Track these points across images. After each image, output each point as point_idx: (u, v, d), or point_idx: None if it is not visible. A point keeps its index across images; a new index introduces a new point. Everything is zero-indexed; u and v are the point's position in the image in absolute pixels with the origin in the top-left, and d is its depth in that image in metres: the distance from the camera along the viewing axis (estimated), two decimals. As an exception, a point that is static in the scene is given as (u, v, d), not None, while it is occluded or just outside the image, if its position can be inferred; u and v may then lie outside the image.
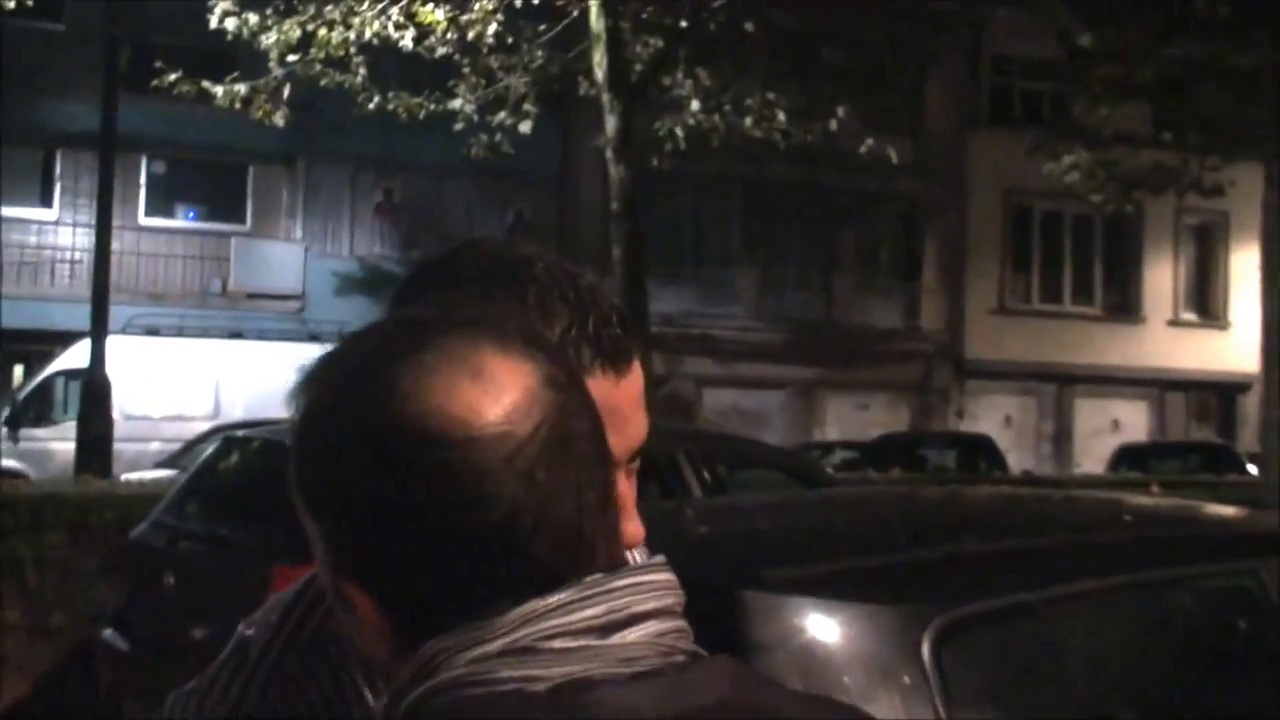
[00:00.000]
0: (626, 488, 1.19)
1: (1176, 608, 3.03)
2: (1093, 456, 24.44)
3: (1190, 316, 27.63)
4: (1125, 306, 27.15)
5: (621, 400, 1.18)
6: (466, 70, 14.69)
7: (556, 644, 0.87)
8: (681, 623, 0.94)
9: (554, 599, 0.88)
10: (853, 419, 24.19)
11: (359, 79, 13.64)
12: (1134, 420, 26.76)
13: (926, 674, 2.48)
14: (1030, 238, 26.24)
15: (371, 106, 13.96)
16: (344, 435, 0.89)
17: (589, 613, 0.89)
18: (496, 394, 0.88)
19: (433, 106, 14.48)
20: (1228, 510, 3.85)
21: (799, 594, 2.61)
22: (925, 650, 2.49)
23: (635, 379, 1.21)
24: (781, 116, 15.34)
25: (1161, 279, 27.24)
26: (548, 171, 21.67)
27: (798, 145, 15.86)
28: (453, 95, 14.70)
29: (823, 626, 2.54)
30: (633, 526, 1.19)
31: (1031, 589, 2.68)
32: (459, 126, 14.75)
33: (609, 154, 13.61)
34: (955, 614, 2.58)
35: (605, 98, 13.59)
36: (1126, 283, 27.09)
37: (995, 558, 2.94)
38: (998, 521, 3.42)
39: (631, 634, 0.90)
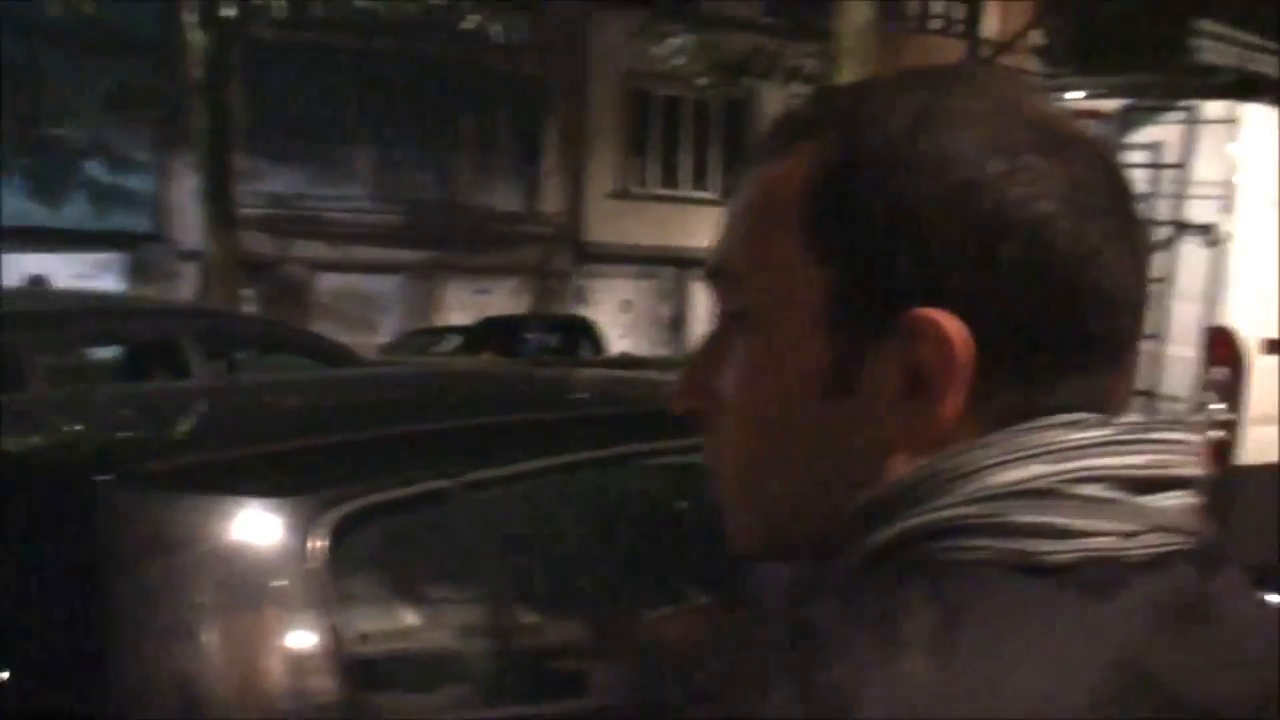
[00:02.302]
0: None
1: (614, 487, 2.83)
2: (709, 338, 24.97)
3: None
4: (742, 191, 27.70)
5: None
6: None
7: (1086, 490, 0.74)
8: (1198, 503, 0.79)
9: (1088, 434, 0.75)
10: (474, 303, 23.88)
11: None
12: (748, 303, 27.50)
13: (317, 575, 2.17)
14: (650, 122, 26.37)
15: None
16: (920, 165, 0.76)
17: (1131, 460, 0.75)
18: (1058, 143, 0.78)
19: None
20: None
21: (164, 488, 2.26)
22: (316, 547, 2.18)
23: None
24: (382, -16, 14.73)
25: (775, 164, 27.90)
26: (150, 37, 20.10)
27: (407, 17, 15.29)
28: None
29: (188, 524, 2.19)
30: None
31: (451, 474, 2.40)
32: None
33: (188, 18, 12.73)
34: (353, 505, 2.28)
35: (183, -45, 12.70)
36: (743, 166, 27.55)
37: (421, 440, 2.64)
38: (447, 401, 3.14)
39: (1167, 499, 0.76)
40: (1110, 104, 7.39)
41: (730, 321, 0.84)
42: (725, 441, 0.84)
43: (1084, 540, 0.72)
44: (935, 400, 0.75)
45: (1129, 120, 7.24)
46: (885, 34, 23.12)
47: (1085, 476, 0.73)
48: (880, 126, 0.77)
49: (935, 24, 27.28)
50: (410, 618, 2.48)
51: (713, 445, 0.86)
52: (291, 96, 22.32)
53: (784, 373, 0.80)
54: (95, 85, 20.42)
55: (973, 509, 0.73)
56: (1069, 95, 8.03)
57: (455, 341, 18.45)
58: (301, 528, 2.18)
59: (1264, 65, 7.50)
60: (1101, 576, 0.71)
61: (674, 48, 16.09)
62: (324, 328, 21.79)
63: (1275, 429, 6.93)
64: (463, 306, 23.95)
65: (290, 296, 22.25)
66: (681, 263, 26.45)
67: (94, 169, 20.73)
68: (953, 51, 21.18)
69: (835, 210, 0.77)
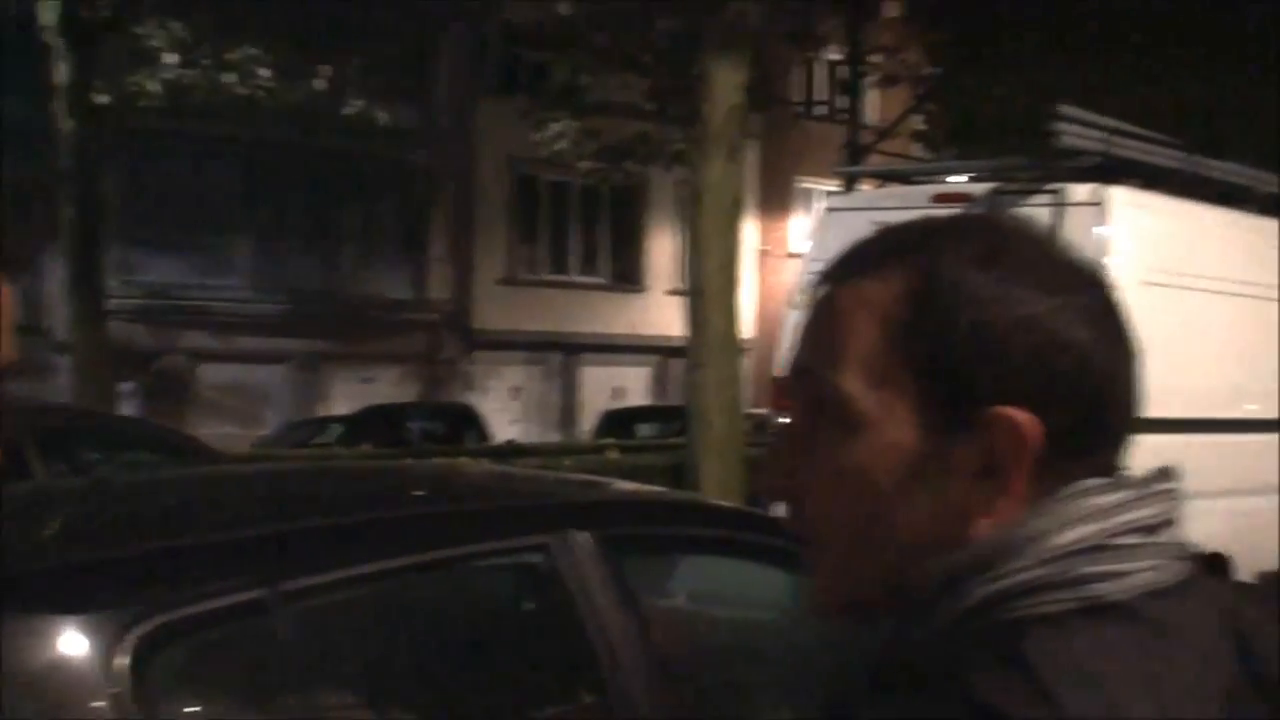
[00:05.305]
0: None
1: (446, 590, 2.68)
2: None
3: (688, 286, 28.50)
4: (629, 276, 27.69)
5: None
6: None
7: (1126, 540, 0.94)
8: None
9: (1114, 497, 0.95)
10: (359, 393, 23.55)
11: None
12: (637, 386, 27.42)
13: (123, 696, 2.00)
14: (538, 208, 26.37)
15: None
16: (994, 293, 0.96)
17: (1148, 511, 0.96)
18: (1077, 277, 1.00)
19: None
20: (549, 479, 3.58)
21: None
22: (122, 666, 2.01)
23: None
24: (265, 74, 14.54)
25: (663, 249, 27.89)
26: (20, 125, 19.68)
27: (291, 106, 15.17)
28: None
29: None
30: None
31: (264, 584, 2.23)
32: None
33: (58, 106, 12.51)
34: (160, 620, 2.11)
35: (55, 43, 12.49)
36: (631, 252, 27.66)
37: (231, 547, 2.47)
38: (267, 503, 2.97)
39: (1170, 536, 0.97)
40: (981, 188, 7.44)
41: (816, 414, 0.99)
42: (819, 516, 1.00)
43: (1135, 578, 0.92)
44: (1009, 479, 0.94)
45: (998, 203, 7.28)
46: (770, 120, 23.55)
47: (1123, 530, 0.93)
48: (953, 264, 0.96)
49: (819, 110, 27.75)
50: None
51: (804, 520, 1.01)
52: (172, 185, 21.99)
53: (878, 458, 0.96)
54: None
55: (1046, 570, 0.91)
56: (947, 179, 8.07)
57: (338, 432, 18.10)
58: (105, 646, 2.02)
59: (1128, 149, 7.60)
60: (1161, 605, 0.92)
61: (556, 133, 16.12)
62: (207, 421, 21.40)
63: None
64: (347, 396, 23.64)
65: (171, 389, 21.80)
66: (570, 348, 26.40)
67: (-36, 260, 20.20)
68: (834, 137, 21.50)
69: (919, 329, 0.96)
